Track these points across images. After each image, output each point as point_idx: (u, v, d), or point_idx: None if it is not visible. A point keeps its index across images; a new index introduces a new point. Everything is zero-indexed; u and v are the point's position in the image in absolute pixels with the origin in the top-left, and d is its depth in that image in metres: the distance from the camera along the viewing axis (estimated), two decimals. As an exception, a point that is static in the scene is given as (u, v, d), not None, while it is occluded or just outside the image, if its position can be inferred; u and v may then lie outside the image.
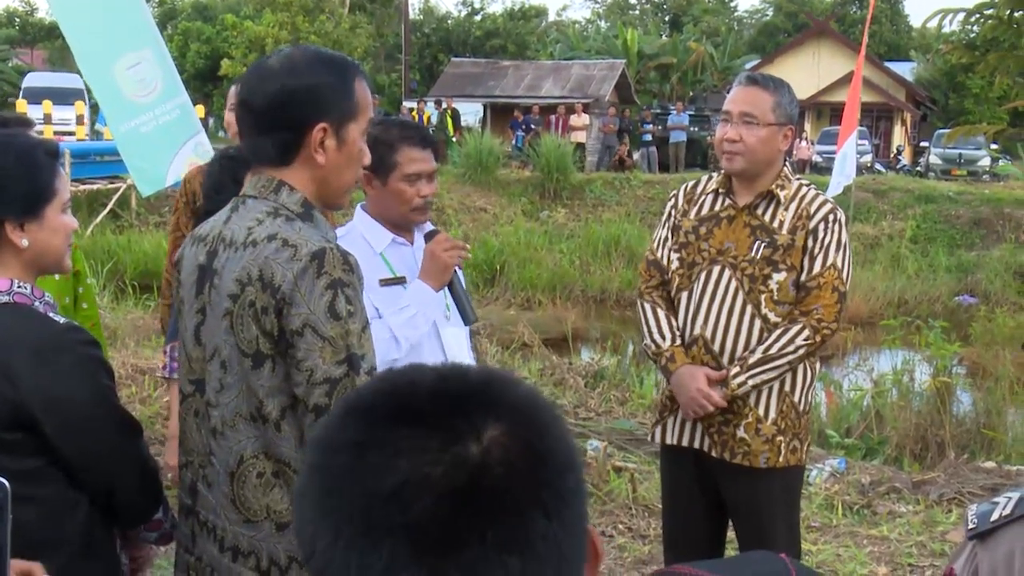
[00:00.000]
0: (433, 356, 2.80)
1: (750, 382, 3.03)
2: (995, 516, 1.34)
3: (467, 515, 0.74)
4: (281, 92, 1.89)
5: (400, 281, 2.76)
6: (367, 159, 2.00)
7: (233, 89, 3.95)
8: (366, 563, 0.75)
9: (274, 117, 1.91)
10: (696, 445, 3.18)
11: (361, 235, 2.82)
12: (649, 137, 26.54)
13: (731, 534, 3.40)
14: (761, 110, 3.04)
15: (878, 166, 28.93)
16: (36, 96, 18.05)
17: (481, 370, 0.84)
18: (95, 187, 15.77)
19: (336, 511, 0.77)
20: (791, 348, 3.01)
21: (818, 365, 3.27)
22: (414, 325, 2.66)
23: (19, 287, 1.90)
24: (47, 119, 16.37)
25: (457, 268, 2.75)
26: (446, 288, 2.76)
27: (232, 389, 1.91)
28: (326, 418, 0.84)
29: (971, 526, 1.37)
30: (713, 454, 3.14)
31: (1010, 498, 1.35)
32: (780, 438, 3.09)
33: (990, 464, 6.10)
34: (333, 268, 1.84)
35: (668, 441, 3.25)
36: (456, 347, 2.85)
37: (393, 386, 0.82)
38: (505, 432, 0.78)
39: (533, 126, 25.96)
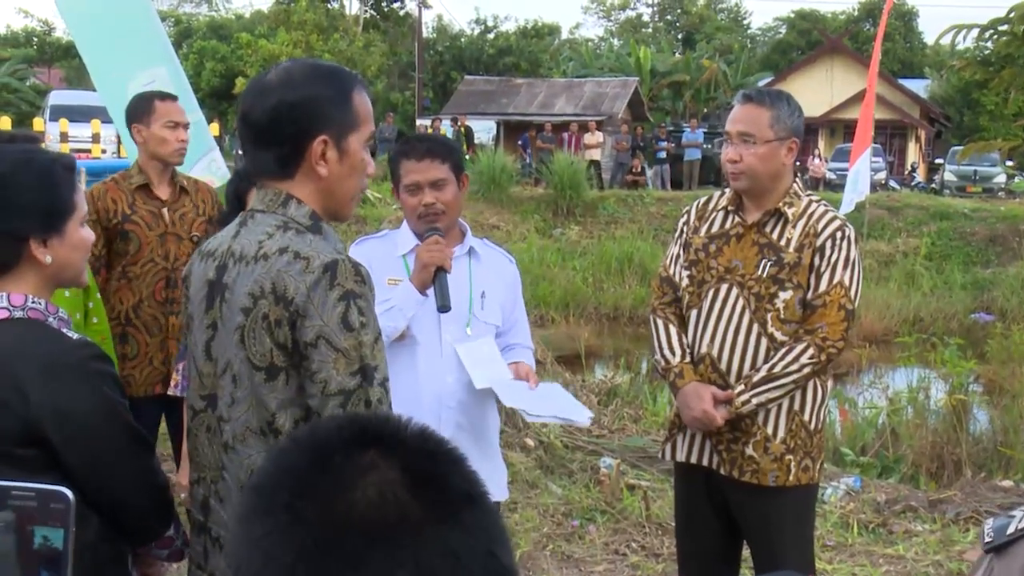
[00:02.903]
0: (448, 370, 2.88)
1: (754, 400, 3.01)
2: (1011, 529, 1.33)
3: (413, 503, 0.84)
4: (280, 106, 1.90)
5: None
6: (371, 169, 2.02)
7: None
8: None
9: (274, 131, 1.92)
10: (705, 463, 3.16)
11: (395, 237, 3.08)
12: (664, 154, 26.54)
13: (745, 552, 3.38)
14: (758, 127, 3.03)
15: (892, 183, 28.85)
16: (65, 114, 18.08)
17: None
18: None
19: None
20: (795, 367, 2.99)
21: (830, 383, 3.25)
22: (390, 317, 2.80)
23: (33, 303, 1.90)
24: (63, 137, 16.46)
25: (445, 270, 2.83)
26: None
27: (243, 403, 1.91)
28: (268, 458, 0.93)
29: (987, 540, 1.35)
30: (722, 472, 3.12)
31: None
32: (789, 457, 3.07)
33: (1007, 483, 6.05)
34: (345, 279, 1.85)
35: (678, 458, 3.24)
36: (476, 358, 2.93)
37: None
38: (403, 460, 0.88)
39: (541, 142, 26.00)
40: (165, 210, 4.05)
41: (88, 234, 2.00)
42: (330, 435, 0.89)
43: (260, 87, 1.95)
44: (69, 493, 1.44)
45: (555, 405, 3.02)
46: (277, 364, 1.86)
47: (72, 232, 1.94)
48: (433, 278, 2.81)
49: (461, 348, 2.93)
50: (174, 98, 4.16)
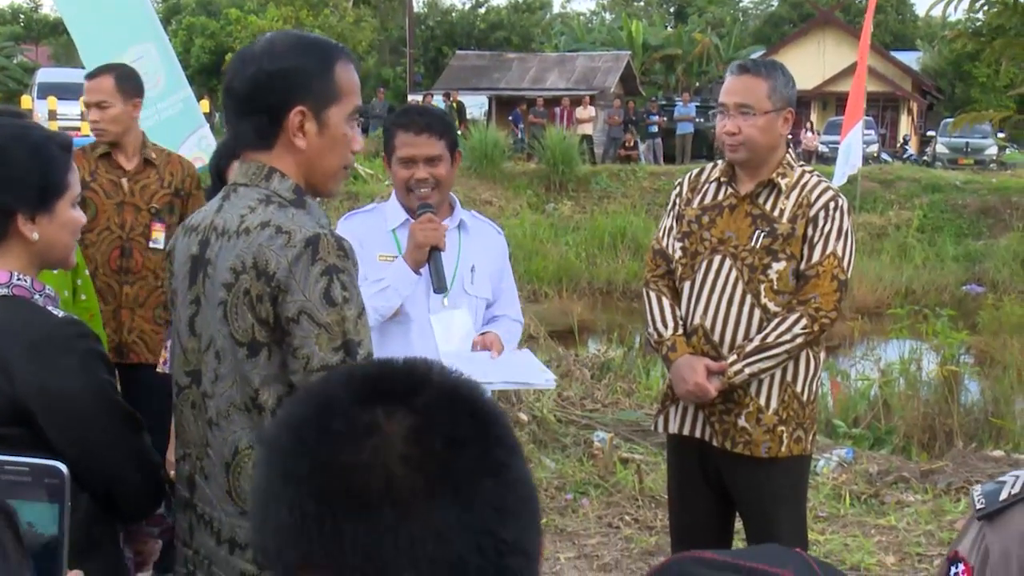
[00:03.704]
0: (424, 341, 2.85)
1: (747, 370, 3.01)
2: (1004, 495, 1.30)
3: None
4: (258, 75, 1.89)
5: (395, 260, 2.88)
6: (357, 145, 1.99)
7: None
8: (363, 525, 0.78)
9: (252, 101, 1.91)
10: (698, 434, 3.16)
11: (383, 210, 3.01)
12: (655, 128, 26.49)
13: (738, 524, 3.39)
14: (756, 98, 3.01)
15: (884, 156, 28.84)
16: (53, 92, 17.99)
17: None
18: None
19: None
20: (788, 337, 2.98)
21: (823, 355, 3.24)
22: (384, 297, 2.78)
23: (19, 279, 1.88)
24: (52, 115, 16.37)
25: (440, 249, 2.79)
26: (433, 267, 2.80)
27: (226, 379, 1.90)
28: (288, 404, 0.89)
29: (979, 506, 1.33)
30: (715, 443, 3.12)
31: (1017, 477, 1.31)
32: (782, 428, 3.07)
33: (998, 453, 6.09)
34: (328, 254, 1.83)
35: (671, 430, 3.23)
36: (447, 331, 2.89)
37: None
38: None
39: (534, 117, 25.93)
40: (125, 180, 4.09)
41: (79, 215, 1.98)
42: (337, 389, 0.83)
43: (243, 57, 1.94)
44: (64, 467, 1.43)
45: (514, 371, 2.92)
46: (259, 340, 1.84)
47: (62, 211, 1.92)
48: (428, 257, 2.77)
49: (434, 319, 2.89)
50: (97, 74, 4.10)
